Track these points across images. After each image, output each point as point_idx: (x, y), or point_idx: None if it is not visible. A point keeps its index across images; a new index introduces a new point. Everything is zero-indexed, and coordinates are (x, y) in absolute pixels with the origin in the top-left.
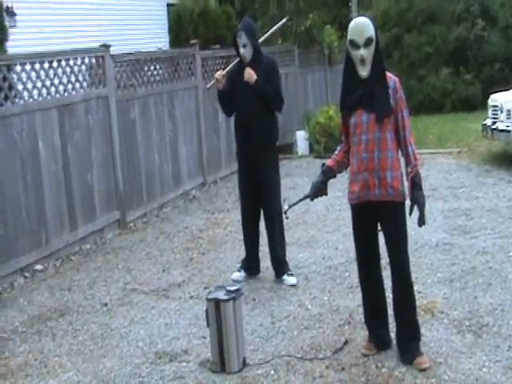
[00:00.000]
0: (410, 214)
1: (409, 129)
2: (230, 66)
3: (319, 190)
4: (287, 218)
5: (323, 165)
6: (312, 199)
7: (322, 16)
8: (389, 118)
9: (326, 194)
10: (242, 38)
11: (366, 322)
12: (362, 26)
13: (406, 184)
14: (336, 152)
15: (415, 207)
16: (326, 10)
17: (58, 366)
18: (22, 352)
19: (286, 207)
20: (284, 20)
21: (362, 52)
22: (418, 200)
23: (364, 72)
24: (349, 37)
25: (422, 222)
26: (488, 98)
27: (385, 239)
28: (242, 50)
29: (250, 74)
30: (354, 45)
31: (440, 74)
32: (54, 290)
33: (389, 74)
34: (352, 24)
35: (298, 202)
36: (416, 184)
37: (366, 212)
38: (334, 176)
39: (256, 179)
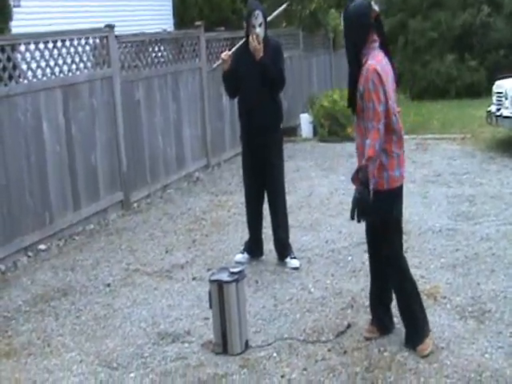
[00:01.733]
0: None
1: (371, 122)
2: (236, 46)
3: None
4: None
5: None
6: None
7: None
8: (360, 106)
9: None
10: (259, 18)
11: (370, 305)
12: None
13: (390, 173)
14: None
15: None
16: None
17: (61, 346)
18: (26, 331)
19: None
20: (284, 6)
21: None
22: (354, 193)
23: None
24: None
25: (351, 215)
26: (493, 84)
27: None
28: (257, 30)
29: (257, 48)
30: None
31: (445, 60)
32: (57, 270)
33: (369, 63)
34: None
35: None
36: (360, 178)
37: None
38: None
39: (260, 162)
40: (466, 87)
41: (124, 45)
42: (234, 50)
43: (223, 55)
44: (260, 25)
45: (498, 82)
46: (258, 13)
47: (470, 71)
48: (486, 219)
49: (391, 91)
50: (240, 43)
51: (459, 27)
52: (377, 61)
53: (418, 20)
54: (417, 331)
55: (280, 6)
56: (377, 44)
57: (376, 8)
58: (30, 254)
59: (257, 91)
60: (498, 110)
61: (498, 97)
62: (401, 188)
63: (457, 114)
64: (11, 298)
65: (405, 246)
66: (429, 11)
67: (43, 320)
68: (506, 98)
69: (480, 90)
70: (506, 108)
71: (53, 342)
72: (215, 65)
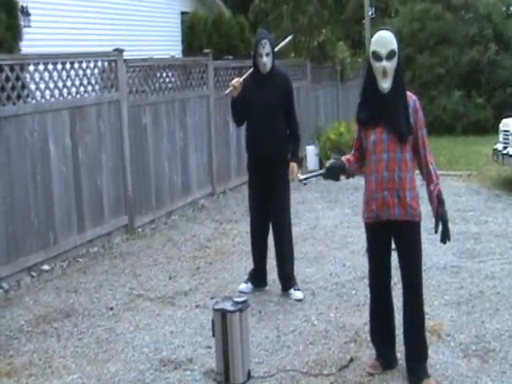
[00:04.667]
0: (436, 230)
1: (428, 148)
2: (246, 74)
3: (335, 168)
4: (304, 184)
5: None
6: (325, 177)
7: (335, 32)
8: (409, 138)
9: (338, 180)
10: (266, 47)
11: (372, 341)
12: (385, 38)
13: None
14: (347, 156)
15: (440, 223)
16: (339, 27)
17: (63, 368)
18: (27, 351)
19: (301, 177)
20: (289, 38)
21: (385, 64)
22: (444, 216)
23: (386, 84)
24: (372, 48)
25: (447, 237)
26: (499, 122)
27: (399, 259)
28: (265, 59)
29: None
30: (377, 57)
31: (452, 96)
32: (60, 291)
33: (409, 94)
34: (375, 36)
35: (312, 176)
36: (440, 201)
37: (382, 231)
38: (346, 171)
39: (267, 192)
40: (472, 124)
41: (132, 69)
42: (244, 77)
43: (234, 82)
44: (267, 54)
45: (504, 121)
46: (266, 42)
47: (476, 108)
48: (491, 257)
49: None
50: (249, 71)
51: (467, 64)
52: None
53: (425, 55)
54: (425, 365)
55: (286, 37)
56: None
57: None
58: (33, 273)
59: (264, 121)
60: (505, 148)
61: (505, 135)
62: None
63: (463, 150)
64: (13, 318)
65: None
66: (436, 47)
67: (45, 341)
68: None
69: (487, 127)
70: None
71: (54, 364)
72: (227, 91)
